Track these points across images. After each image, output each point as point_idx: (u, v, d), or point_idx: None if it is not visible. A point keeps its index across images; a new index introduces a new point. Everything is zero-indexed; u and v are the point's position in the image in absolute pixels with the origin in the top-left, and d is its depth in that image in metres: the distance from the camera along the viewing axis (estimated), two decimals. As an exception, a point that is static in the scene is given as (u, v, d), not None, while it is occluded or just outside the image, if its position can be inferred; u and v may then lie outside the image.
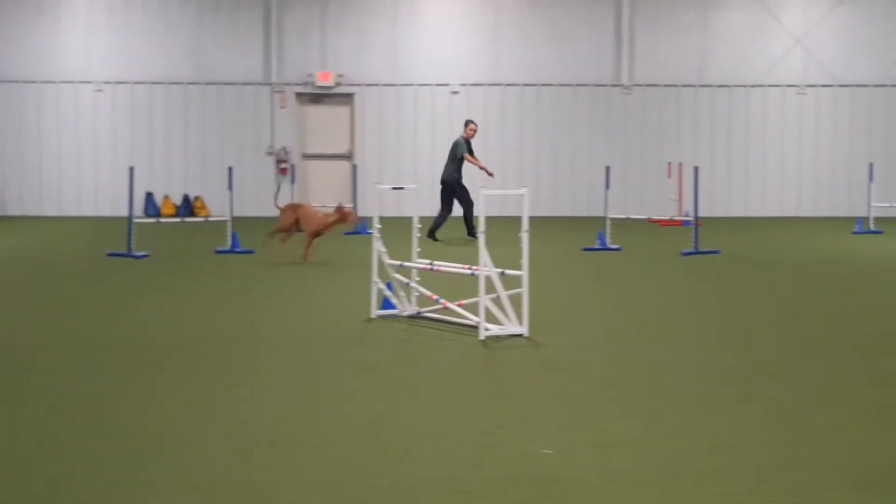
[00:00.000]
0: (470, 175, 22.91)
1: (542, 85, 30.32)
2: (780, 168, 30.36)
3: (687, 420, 7.13)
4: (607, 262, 17.58)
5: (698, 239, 19.20)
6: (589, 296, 13.72)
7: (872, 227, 24.05)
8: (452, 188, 22.01)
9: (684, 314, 12.04)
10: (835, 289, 14.43)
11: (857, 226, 24.12)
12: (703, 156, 29.74)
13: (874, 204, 24.54)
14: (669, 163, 28.78)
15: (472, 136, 22.48)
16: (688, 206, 25.35)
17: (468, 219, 21.92)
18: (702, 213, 22.33)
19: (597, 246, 19.83)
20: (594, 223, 23.54)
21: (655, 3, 30.37)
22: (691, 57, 30.45)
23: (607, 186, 20.79)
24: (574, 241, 21.26)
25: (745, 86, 30.34)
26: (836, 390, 8.07)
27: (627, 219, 22.50)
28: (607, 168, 21.16)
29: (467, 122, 22.70)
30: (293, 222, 17.57)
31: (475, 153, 22.57)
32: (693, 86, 30.40)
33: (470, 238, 21.47)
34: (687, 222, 23.83)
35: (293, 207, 17.68)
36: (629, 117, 30.36)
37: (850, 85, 30.33)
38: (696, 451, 6.41)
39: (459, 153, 22.00)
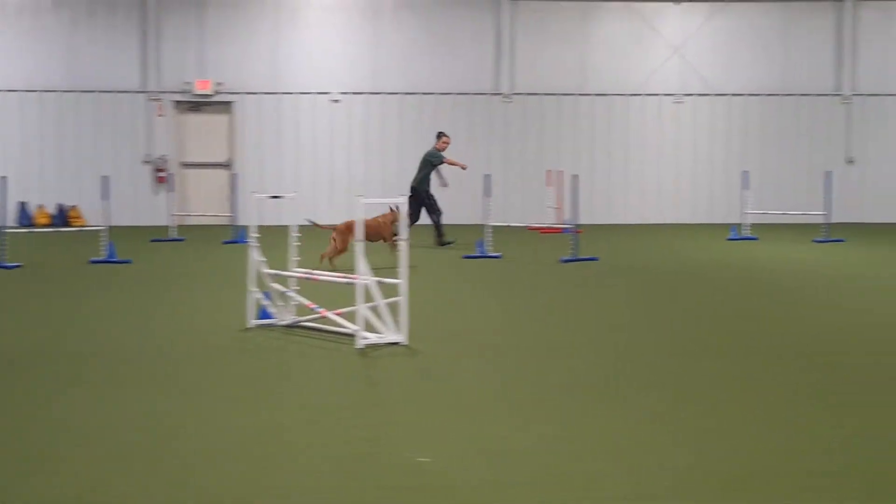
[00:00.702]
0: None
1: (423, 93, 30.33)
2: (658, 176, 30.74)
3: (564, 426, 7.14)
4: (487, 270, 17.60)
5: (578, 246, 19.32)
6: (468, 304, 13.71)
7: (747, 233, 24.45)
8: (422, 198, 22.36)
9: (562, 321, 12.09)
10: (710, 294, 14.59)
11: (732, 232, 24.51)
12: (582, 164, 29.99)
13: (749, 211, 24.95)
14: (549, 171, 28.93)
15: (445, 148, 22.89)
16: (567, 214, 25.50)
17: (438, 227, 22.31)
18: (581, 221, 22.48)
19: (477, 254, 19.86)
20: (474, 231, 23.57)
21: (535, 12, 30.56)
22: (571, 66, 30.70)
23: (486, 194, 20.85)
24: (454, 248, 21.27)
25: (623, 94, 30.67)
26: (710, 394, 8.14)
27: (507, 226, 22.57)
28: (486, 176, 21.22)
29: (440, 135, 23.14)
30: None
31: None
32: (573, 94, 30.65)
33: (442, 246, 21.96)
34: (566, 230, 23.95)
35: (351, 227, 16.80)
36: (509, 126, 30.50)
37: (727, 94, 30.82)
38: (572, 456, 6.41)
39: (436, 162, 22.53)
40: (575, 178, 19.92)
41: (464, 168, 23.01)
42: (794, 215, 26.69)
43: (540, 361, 9.52)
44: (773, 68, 30.93)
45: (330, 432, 7.00)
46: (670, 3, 30.77)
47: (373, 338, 10.25)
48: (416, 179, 22.65)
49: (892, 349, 10.13)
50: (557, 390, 8.30)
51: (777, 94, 30.87)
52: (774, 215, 26.91)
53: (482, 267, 18.14)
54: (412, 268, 13.16)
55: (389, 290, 10.52)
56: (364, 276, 10.32)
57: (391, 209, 18.27)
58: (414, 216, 22.43)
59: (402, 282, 10.35)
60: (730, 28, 30.82)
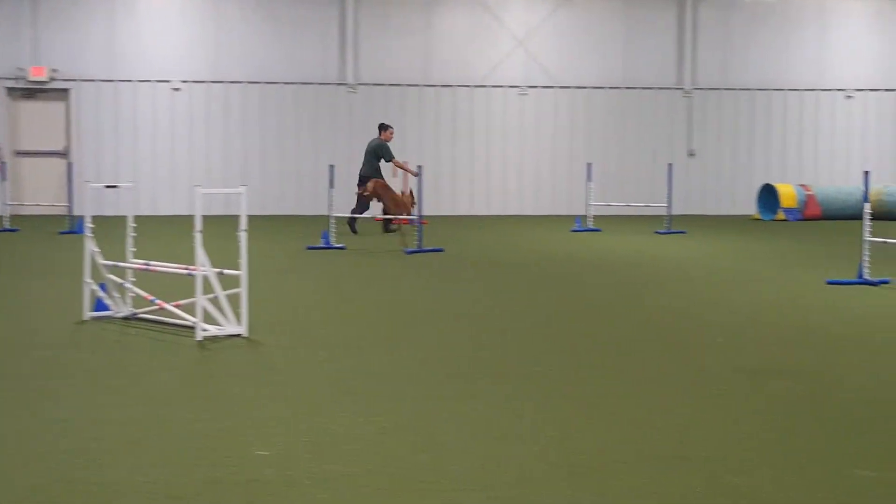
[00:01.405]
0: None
1: (266, 83, 29.97)
2: (503, 168, 30.87)
3: (407, 418, 7.02)
4: (331, 261, 17.43)
5: (423, 237, 19.26)
6: (311, 295, 13.54)
7: (591, 224, 24.69)
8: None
9: (405, 312, 11.99)
10: (554, 285, 14.65)
11: (576, 224, 24.72)
12: (427, 155, 29.95)
13: (592, 203, 25.19)
14: (394, 162, 28.85)
15: (391, 139, 23.73)
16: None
17: (386, 215, 22.80)
18: (427, 212, 22.42)
19: (321, 245, 19.65)
20: (320, 222, 23.35)
21: (380, 2, 30.43)
22: (416, 57, 30.65)
23: (331, 185, 20.65)
24: (299, 239, 21.03)
25: (468, 86, 30.72)
26: (554, 384, 8.12)
27: (352, 217, 22.39)
28: (331, 167, 21.02)
29: (387, 126, 23.97)
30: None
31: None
32: (417, 85, 30.60)
33: (387, 232, 22.94)
34: (413, 221, 23.87)
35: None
36: (354, 116, 30.31)
37: (571, 87, 31.08)
38: (414, 448, 6.29)
39: (386, 157, 23.17)
40: (419, 168, 19.84)
41: (415, 175, 21.99)
42: (638, 207, 27.06)
43: (381, 352, 9.39)
44: (617, 61, 31.30)
45: (166, 426, 6.77)
46: (515, -5, 30.91)
47: (212, 330, 10.01)
48: (363, 169, 23.24)
49: (729, 335, 10.25)
50: (398, 381, 8.18)
51: (620, 88, 31.24)
52: (618, 207, 27.25)
53: (326, 258, 17.96)
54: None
55: (230, 282, 10.29)
56: (203, 268, 10.07)
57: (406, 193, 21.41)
58: (363, 205, 23.17)
59: (242, 273, 10.13)
60: (574, 21, 31.09)
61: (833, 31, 32.03)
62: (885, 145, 32.04)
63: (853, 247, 17.11)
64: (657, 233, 23.48)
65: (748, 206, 30.52)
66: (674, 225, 24.10)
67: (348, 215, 23.17)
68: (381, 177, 22.99)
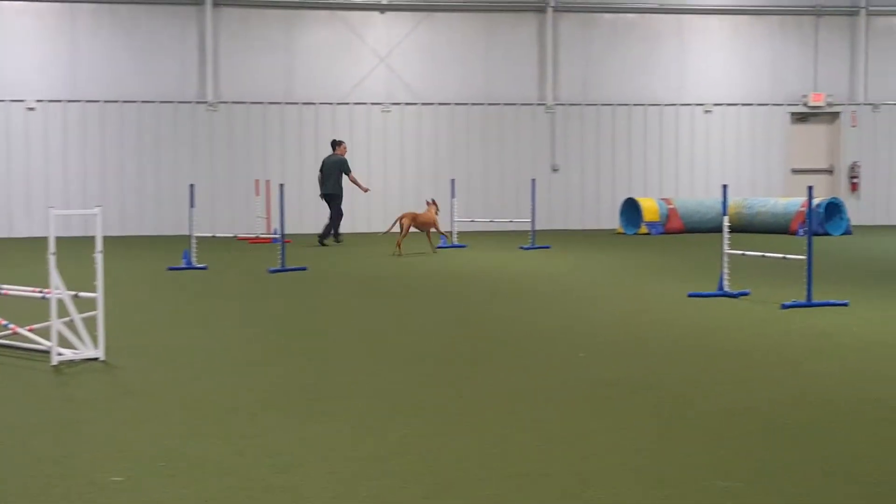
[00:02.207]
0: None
1: (124, 101, 29.48)
2: (367, 185, 30.78)
3: (265, 439, 6.86)
4: (193, 282, 17.14)
5: (285, 256, 19.06)
6: (171, 317, 13.26)
7: (456, 241, 24.69)
8: (338, 198, 25.07)
9: (266, 332, 11.81)
10: (418, 301, 14.58)
11: (441, 240, 24.70)
12: (290, 173, 29.75)
13: (457, 219, 25.21)
14: (257, 180, 28.59)
15: (345, 153, 25.52)
16: (276, 224, 25.21)
17: (333, 225, 25.08)
18: (290, 231, 22.25)
19: (182, 265, 19.32)
20: (181, 241, 22.98)
21: (240, 19, 30.16)
22: (277, 74, 30.44)
23: (192, 204, 20.34)
24: (159, 260, 20.67)
25: (331, 103, 30.61)
26: (416, 401, 8.03)
27: (214, 237, 22.11)
28: (191, 186, 20.72)
29: (339, 143, 25.61)
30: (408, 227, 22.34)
31: None
32: (279, 103, 30.38)
33: (326, 242, 25.06)
34: (276, 240, 23.67)
35: (410, 216, 22.42)
36: (215, 134, 29.99)
37: (433, 103, 31.13)
38: (272, 470, 6.14)
39: (346, 171, 25.05)
40: (281, 187, 19.67)
41: (365, 191, 25.80)
42: (502, 223, 27.15)
43: (240, 372, 9.21)
44: (479, 78, 31.45)
45: (17, 454, 6.51)
46: (375, 13, 30.88)
47: (68, 354, 9.71)
48: (330, 186, 25.00)
49: (592, 349, 10.27)
50: (257, 401, 8.02)
51: (483, 104, 31.39)
52: (482, 223, 27.32)
53: (187, 278, 17.65)
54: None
55: (86, 305, 10.01)
56: (57, 290, 9.78)
57: (429, 202, 23.17)
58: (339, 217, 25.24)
59: (98, 295, 9.86)
60: (435, 38, 31.17)
61: (692, 47, 32.61)
62: (744, 159, 32.70)
63: (714, 259, 17.35)
64: (521, 248, 23.59)
65: (611, 220, 30.87)
66: (538, 240, 24.24)
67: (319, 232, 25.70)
68: (341, 192, 25.14)
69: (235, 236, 23.59)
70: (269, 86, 30.43)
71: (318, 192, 25.62)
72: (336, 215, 25.18)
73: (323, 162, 25.39)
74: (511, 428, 7.17)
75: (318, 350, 10.44)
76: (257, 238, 24.70)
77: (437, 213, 22.97)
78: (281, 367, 9.51)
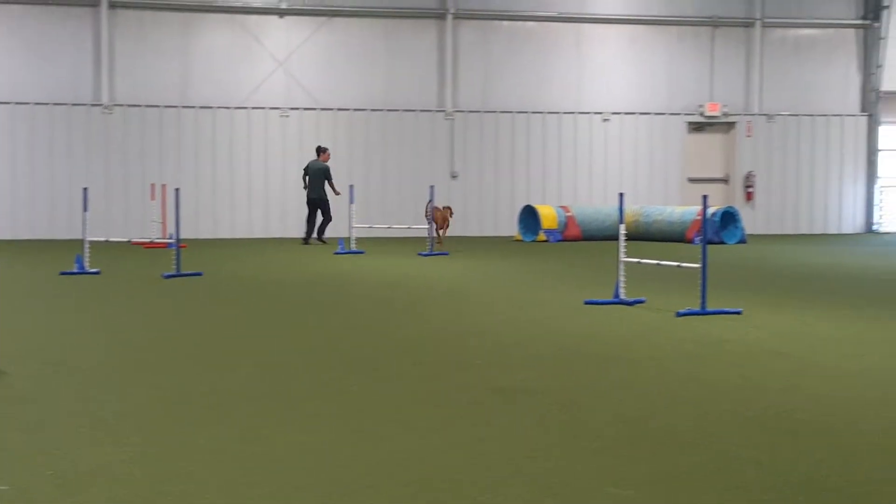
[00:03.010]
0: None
1: (17, 103, 28.95)
2: (265, 190, 30.55)
3: (153, 446, 6.73)
4: (85, 287, 16.85)
5: (181, 261, 18.83)
6: (62, 322, 13.01)
7: (354, 247, 24.59)
8: (324, 203, 27.21)
9: (158, 337, 11.63)
10: (314, 307, 14.49)
11: (339, 246, 24.58)
12: (187, 177, 29.43)
13: (355, 225, 25.11)
14: (153, 184, 28.24)
15: (328, 160, 27.63)
16: (172, 228, 24.93)
17: (322, 227, 27.31)
18: (186, 235, 22.00)
19: (75, 270, 19.00)
20: (74, 246, 22.60)
21: (136, 21, 29.79)
22: (174, 77, 30.12)
23: (85, 208, 20.00)
24: (51, 264, 20.30)
25: (228, 108, 30.34)
26: (308, 408, 7.94)
27: (108, 241, 21.80)
28: (85, 189, 20.38)
29: (325, 149, 27.33)
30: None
31: None
32: (176, 107, 30.05)
33: (316, 240, 27.51)
34: (171, 244, 23.39)
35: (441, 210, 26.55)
36: (110, 137, 29.57)
37: (332, 108, 31.00)
38: (163, 478, 6.02)
39: (328, 177, 27.01)
40: (177, 191, 19.44)
41: (337, 194, 27.50)
42: (401, 229, 27.11)
43: (130, 379, 9.05)
44: (378, 84, 31.40)
45: None
46: (274, 17, 30.68)
47: (-49, 360, 9.48)
48: (316, 192, 26.93)
49: (488, 355, 10.26)
50: (149, 408, 7.87)
51: (382, 110, 31.34)
52: (381, 229, 27.25)
53: (80, 283, 17.36)
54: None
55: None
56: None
57: (442, 208, 26.56)
58: (323, 215, 27.34)
59: (-16, 299, 9.64)
60: (335, 42, 31.06)
61: (590, 56, 32.87)
62: (641, 167, 33.01)
63: (610, 267, 17.46)
64: (420, 254, 23.55)
65: (510, 227, 30.97)
66: (437, 246, 24.22)
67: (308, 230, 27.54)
68: (327, 196, 27.26)
69: (130, 241, 23.25)
70: (166, 89, 30.08)
71: (304, 197, 27.80)
72: (326, 219, 27.29)
73: (307, 167, 26.86)
74: (404, 435, 7.11)
75: (211, 356, 10.30)
76: (152, 243, 24.38)
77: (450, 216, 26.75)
78: (174, 373, 9.36)
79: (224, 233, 29.97)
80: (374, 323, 12.87)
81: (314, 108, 30.79)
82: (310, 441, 6.94)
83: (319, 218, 27.68)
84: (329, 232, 29.97)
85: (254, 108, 30.42)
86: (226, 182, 30.16)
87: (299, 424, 7.43)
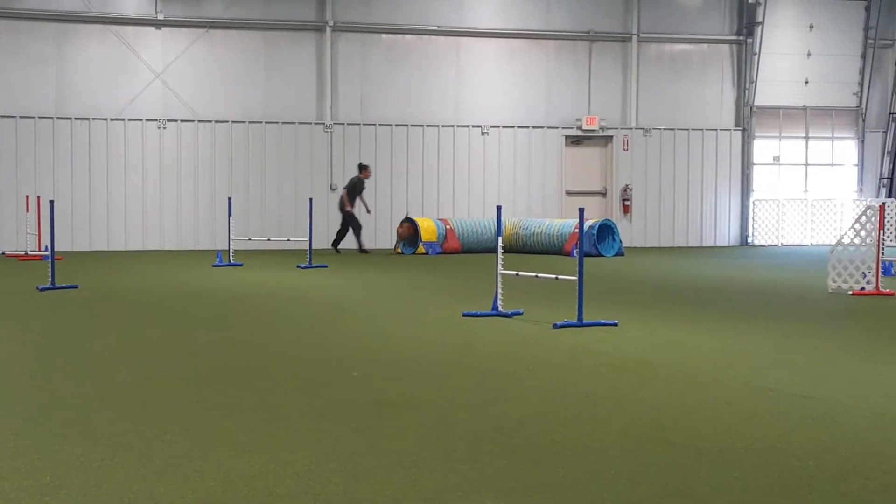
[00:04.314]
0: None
1: None
2: (142, 202, 30.17)
3: (24, 461, 6.58)
4: (-46, 301, 16.46)
5: (56, 274, 18.49)
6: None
7: (232, 259, 24.37)
8: (346, 215, 29.18)
9: (34, 352, 11.40)
10: (192, 322, 14.33)
11: (217, 259, 24.34)
12: (62, 189, 28.95)
13: (233, 237, 24.89)
14: (28, 196, 27.71)
15: (368, 177, 29.72)
16: (47, 240, 24.47)
17: (342, 236, 29.23)
18: (62, 248, 21.62)
19: (-56, 284, 18.56)
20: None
21: (8, 31, 29.25)
22: (49, 88, 29.61)
23: (-45, 220, 19.56)
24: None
25: (105, 119, 29.89)
26: (183, 423, 7.83)
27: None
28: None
29: (365, 166, 29.56)
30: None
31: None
32: (51, 118, 29.53)
33: (366, 249, 29.36)
34: (46, 257, 22.98)
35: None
36: (-17, 149, 28.95)
37: (211, 120, 30.72)
38: (33, 492, 5.89)
39: (359, 190, 29.13)
40: (52, 203, 19.09)
41: (368, 211, 29.93)
42: (279, 241, 26.94)
43: (2, 393, 8.84)
44: (257, 96, 31.20)
45: None
46: (151, 28, 30.32)
47: None
48: (347, 203, 29.14)
49: (366, 368, 10.23)
50: (21, 423, 7.70)
51: (261, 122, 31.14)
52: (260, 241, 27.05)
53: (-51, 297, 16.95)
54: None
55: None
56: None
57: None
58: (354, 225, 29.39)
59: None
60: (213, 54, 30.80)
61: (469, 69, 33.02)
62: (520, 180, 33.23)
63: (489, 279, 17.53)
64: (299, 267, 23.43)
65: (389, 239, 30.96)
66: (316, 259, 24.10)
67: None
68: (351, 209, 29.13)
69: (4, 253, 22.78)
70: (41, 100, 29.57)
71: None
72: (356, 228, 29.33)
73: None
74: (280, 448, 7.05)
75: (86, 370, 10.12)
76: (27, 255, 23.93)
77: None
78: (46, 387, 9.18)
79: (100, 245, 29.52)
80: (251, 336, 12.76)
81: (192, 120, 30.49)
82: (185, 455, 6.85)
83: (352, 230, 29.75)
84: (205, 244, 29.68)
85: (131, 119, 30.03)
86: (102, 194, 29.72)
87: (174, 438, 7.33)
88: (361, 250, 29.35)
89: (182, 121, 30.53)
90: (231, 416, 8.10)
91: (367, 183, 29.83)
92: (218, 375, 9.94)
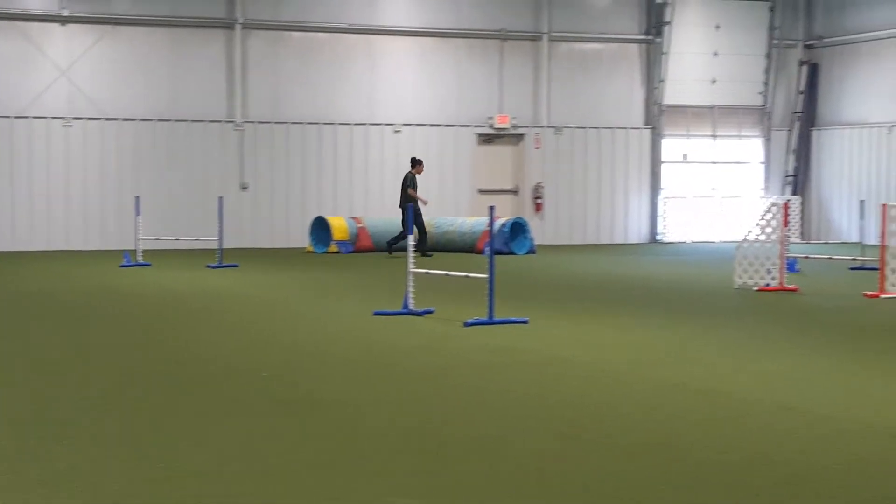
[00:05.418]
0: None
1: None
2: (47, 201, 29.67)
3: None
4: None
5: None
6: None
7: (141, 259, 24.07)
8: (404, 213, 25.49)
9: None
10: (98, 322, 14.13)
11: (125, 259, 24.02)
12: (-35, 188, 28.42)
13: (142, 237, 24.58)
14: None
15: (421, 172, 27.73)
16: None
17: (393, 240, 27.32)
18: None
19: None
20: None
21: None
22: (-50, 85, 29.04)
23: None
24: None
25: (8, 117, 29.39)
26: (86, 427, 7.71)
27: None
28: None
29: (418, 161, 27.68)
30: None
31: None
32: (-47, 116, 28.98)
33: (428, 253, 26.78)
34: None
35: None
36: None
37: (118, 118, 30.33)
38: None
39: (407, 186, 27.17)
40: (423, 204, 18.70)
41: (425, 203, 27.57)
42: (189, 241, 26.68)
43: None
44: (166, 93, 30.84)
45: None
46: (56, 24, 29.88)
47: None
48: (400, 200, 27.19)
49: (275, 367, 10.16)
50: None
51: (170, 120, 30.79)
52: (169, 241, 26.75)
53: None
54: None
55: None
56: None
57: None
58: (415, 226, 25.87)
59: None
60: (119, 51, 30.40)
61: (381, 68, 32.93)
62: (432, 179, 33.17)
63: (401, 278, 17.50)
64: (209, 266, 23.19)
65: (301, 238, 30.78)
66: (226, 258, 23.87)
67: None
68: (410, 202, 25.43)
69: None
70: (-58, 97, 29.01)
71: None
72: (421, 229, 26.97)
73: None
74: (190, 449, 6.98)
75: (-14, 374, 9.94)
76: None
77: None
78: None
79: (4, 245, 29.03)
80: (159, 336, 12.62)
81: (99, 118, 30.05)
82: (88, 460, 6.75)
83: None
84: (113, 244, 29.20)
85: (35, 117, 29.52)
86: (6, 193, 29.20)
87: (77, 444, 7.21)
88: (390, 250, 27.61)
89: (88, 119, 30.10)
90: (136, 419, 8.00)
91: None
92: (123, 377, 9.81)
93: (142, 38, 30.65)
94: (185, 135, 30.89)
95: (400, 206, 27.21)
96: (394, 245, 27.32)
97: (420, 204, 26.89)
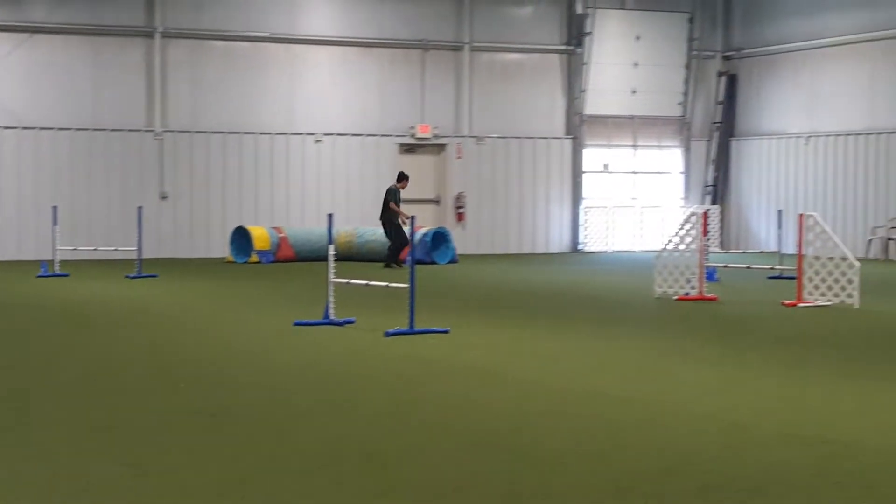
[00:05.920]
0: None
1: None
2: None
3: None
4: None
5: None
6: None
7: (58, 270, 23.76)
8: (390, 226, 27.03)
9: None
10: (10, 335, 13.93)
11: (42, 269, 23.70)
12: None
13: (59, 247, 24.27)
14: None
15: (405, 187, 27.69)
16: None
17: (391, 252, 26.74)
18: None
19: None
20: None
21: None
22: None
23: None
24: None
25: (-78, 126, 28.91)
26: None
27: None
28: None
29: (404, 177, 27.79)
30: None
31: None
32: None
33: (388, 263, 26.24)
34: None
35: None
36: None
37: (35, 128, 29.95)
38: None
39: (389, 199, 27.02)
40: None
41: (406, 220, 26.04)
42: (107, 251, 26.38)
43: None
44: (84, 102, 30.49)
45: None
46: (-27, 32, 29.45)
47: None
48: (383, 214, 27.02)
49: (194, 378, 10.07)
50: None
51: (87, 129, 30.43)
52: (87, 251, 26.43)
53: None
54: None
55: None
56: None
57: None
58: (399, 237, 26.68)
59: None
60: (38, 60, 30.01)
61: (302, 77, 32.80)
62: (354, 188, 33.14)
63: (322, 288, 17.43)
64: (128, 277, 22.94)
65: (222, 248, 30.57)
66: (145, 269, 23.62)
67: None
68: (391, 216, 26.95)
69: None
70: None
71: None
72: (394, 244, 26.82)
73: None
74: (102, 462, 6.89)
75: None
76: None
77: None
78: None
79: (-82, 257, 28.56)
80: (73, 347, 12.47)
81: (15, 127, 29.63)
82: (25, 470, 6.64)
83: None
84: (29, 254, 28.81)
85: (-50, 126, 29.14)
86: (-80, 204, 28.76)
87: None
88: (388, 264, 26.81)
89: (4, 128, 29.69)
90: (49, 433, 7.87)
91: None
92: (32, 391, 9.66)
93: (60, 47, 30.28)
94: (104, 144, 30.54)
95: (380, 219, 27.37)
96: (393, 258, 26.87)
97: (400, 220, 26.97)
